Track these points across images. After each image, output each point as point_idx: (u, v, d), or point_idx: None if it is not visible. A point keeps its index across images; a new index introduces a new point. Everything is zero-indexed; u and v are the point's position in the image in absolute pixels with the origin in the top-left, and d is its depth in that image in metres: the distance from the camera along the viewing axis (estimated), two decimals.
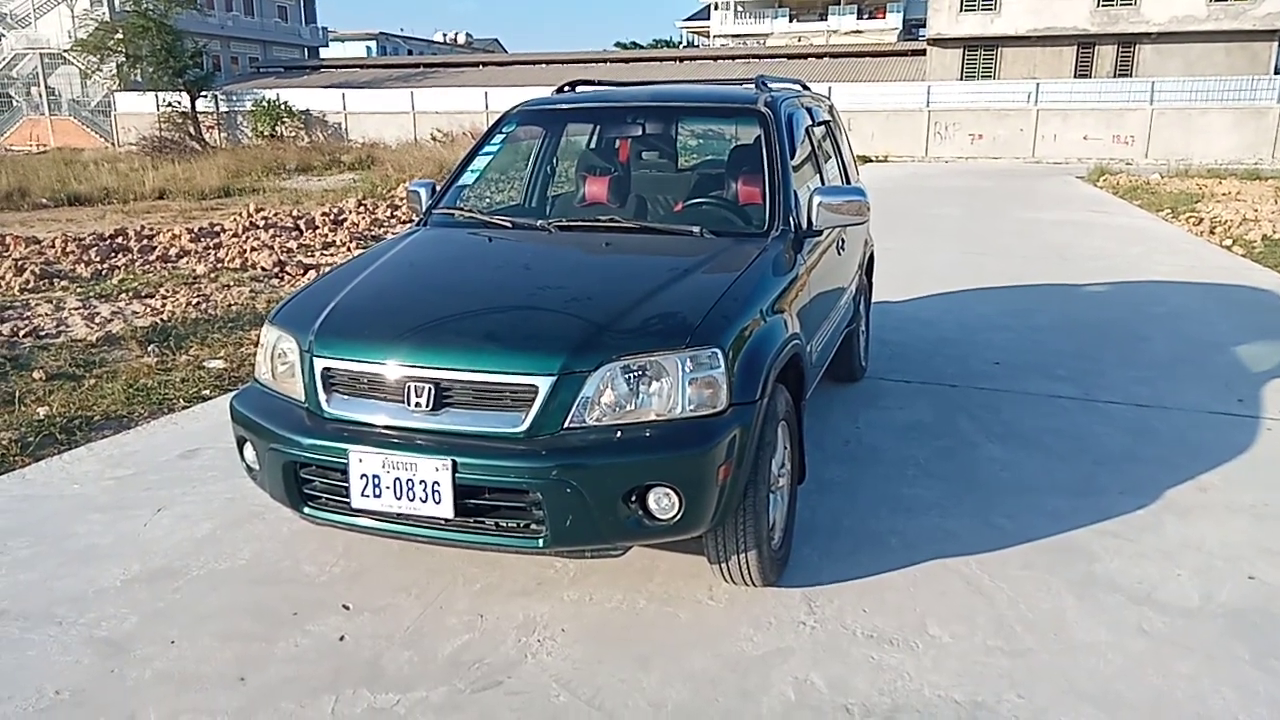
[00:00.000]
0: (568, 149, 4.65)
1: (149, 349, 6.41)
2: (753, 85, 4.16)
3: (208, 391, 5.53)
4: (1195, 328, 6.79)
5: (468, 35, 72.19)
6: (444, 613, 2.97)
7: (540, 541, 2.57)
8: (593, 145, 4.39)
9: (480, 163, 4.09)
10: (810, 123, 4.28)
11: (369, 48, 60.54)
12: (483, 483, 2.54)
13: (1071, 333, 6.63)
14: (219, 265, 9.60)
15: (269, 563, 3.32)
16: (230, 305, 7.78)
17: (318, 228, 12.35)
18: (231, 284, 8.68)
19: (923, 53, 32.40)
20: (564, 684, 2.60)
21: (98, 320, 7.19)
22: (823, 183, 4.27)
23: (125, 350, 6.40)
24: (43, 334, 6.76)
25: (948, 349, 6.18)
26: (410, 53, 58.36)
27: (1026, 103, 27.55)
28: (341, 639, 2.83)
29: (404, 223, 13.16)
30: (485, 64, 41.42)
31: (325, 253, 10.67)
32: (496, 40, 74.18)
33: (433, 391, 2.61)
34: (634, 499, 2.55)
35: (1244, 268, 9.38)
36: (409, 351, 2.68)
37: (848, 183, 4.97)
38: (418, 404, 2.63)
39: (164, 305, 7.71)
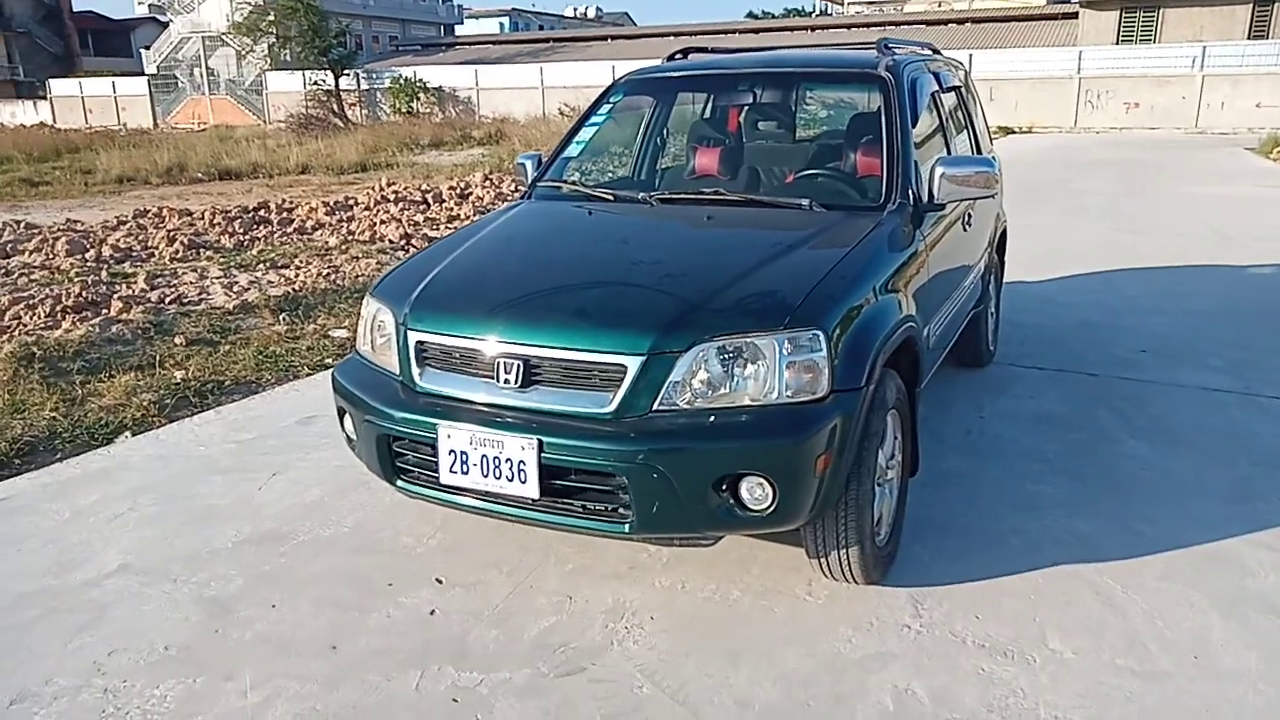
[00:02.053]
0: (678, 119, 4.51)
1: (280, 317, 6.68)
2: (874, 49, 3.90)
3: (330, 360, 5.70)
4: None
5: (598, 9, 72.48)
6: (534, 592, 2.93)
7: (626, 527, 2.47)
8: (704, 115, 4.23)
9: (587, 134, 4.00)
10: (937, 89, 3.98)
11: (502, 24, 61.62)
12: (568, 464, 2.46)
13: (1231, 320, 6.04)
14: (349, 238, 9.93)
15: (370, 532, 3.37)
16: (358, 277, 8.03)
17: (444, 201, 12.62)
18: (360, 256, 8.96)
19: (1075, 15, 30.36)
20: (649, 675, 2.51)
21: (236, 289, 7.55)
22: (949, 153, 3.98)
23: (258, 318, 6.68)
24: (186, 301, 7.14)
25: (1088, 334, 5.74)
26: (541, 27, 59.08)
27: (1190, 68, 25.48)
28: (432, 613, 2.83)
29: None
30: (613, 38, 41.50)
31: (449, 226, 10.87)
32: (626, 14, 74.19)
33: (521, 368, 2.55)
34: (725, 487, 2.42)
35: None
36: (498, 327, 2.62)
37: (978, 154, 4.64)
38: (507, 380, 2.57)
39: (297, 276, 8.03)
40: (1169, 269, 7.69)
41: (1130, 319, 6.08)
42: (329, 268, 8.33)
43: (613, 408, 2.46)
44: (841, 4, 52.91)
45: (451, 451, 2.57)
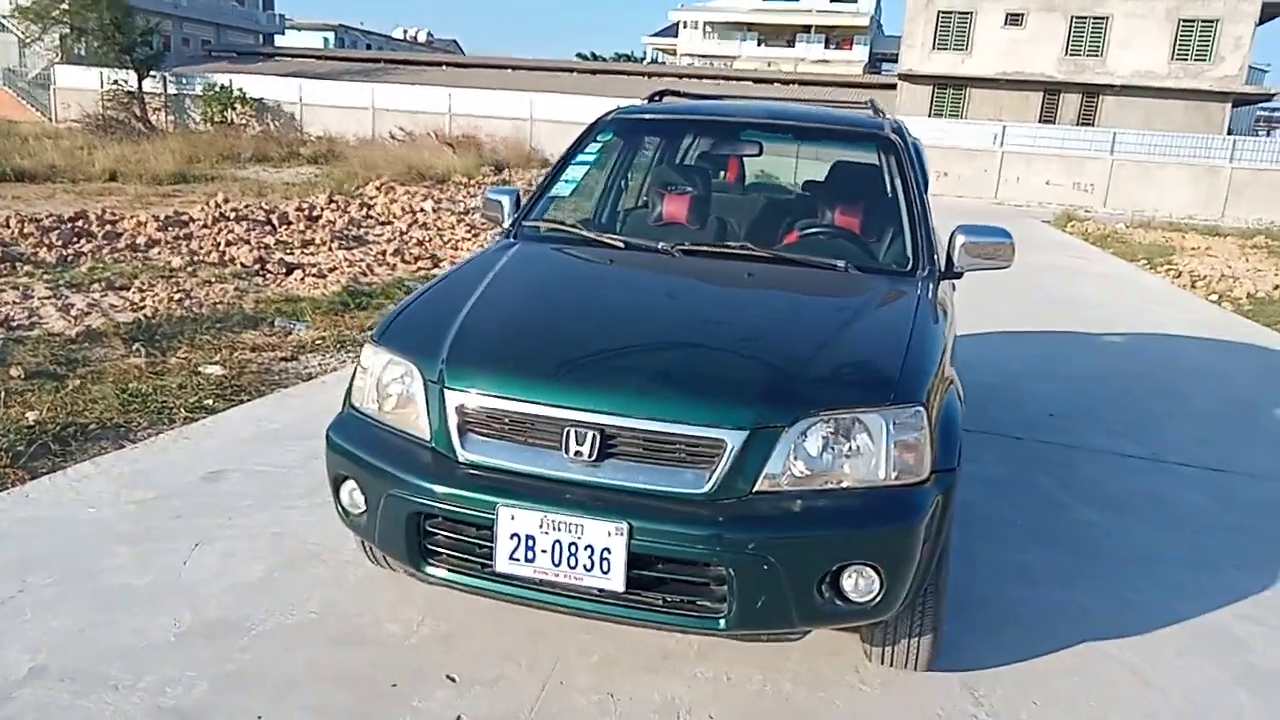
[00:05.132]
0: (642, 163, 4.30)
1: (134, 348, 5.86)
2: (868, 109, 3.88)
3: (210, 401, 5.02)
4: (1229, 387, 6.74)
5: (429, 34, 71.00)
6: (567, 689, 2.59)
7: (722, 623, 2.21)
8: (697, 162, 4.05)
9: (575, 173, 3.71)
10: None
11: (327, 39, 58.95)
12: (661, 552, 2.17)
13: (1111, 385, 6.50)
14: (195, 258, 8.96)
15: (345, 617, 2.89)
16: (216, 304, 7.22)
17: (291, 223, 11.71)
18: (212, 280, 8.08)
19: (892, 86, 32.82)
20: None
21: (74, 313, 6.58)
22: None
23: (109, 348, 5.84)
24: (15, 325, 6.13)
25: (994, 396, 5.97)
26: (369, 47, 57.11)
27: (992, 144, 28.00)
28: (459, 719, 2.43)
29: (383, 223, 12.61)
30: (447, 65, 40.68)
31: (305, 251, 10.07)
32: (455, 41, 73.18)
33: (597, 440, 2.24)
34: (831, 578, 2.21)
35: (1242, 325, 9.45)
36: (569, 392, 2.30)
37: None
38: (578, 453, 2.25)
39: (143, 299, 7.12)
40: (1033, 335, 8.22)
41: (1025, 382, 6.40)
42: (179, 291, 7.44)
43: (710, 488, 2.20)
44: (674, 54, 54.76)
45: (514, 535, 2.21)
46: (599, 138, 3.83)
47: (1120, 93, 29.51)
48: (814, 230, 3.50)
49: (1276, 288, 12.22)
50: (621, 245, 3.27)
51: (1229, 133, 29.01)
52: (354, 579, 3.11)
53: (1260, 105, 36.46)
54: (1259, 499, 4.48)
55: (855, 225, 3.51)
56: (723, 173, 3.98)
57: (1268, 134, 41.27)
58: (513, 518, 2.22)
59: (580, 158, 3.75)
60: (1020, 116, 29.81)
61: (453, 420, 2.38)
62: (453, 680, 2.59)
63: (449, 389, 2.39)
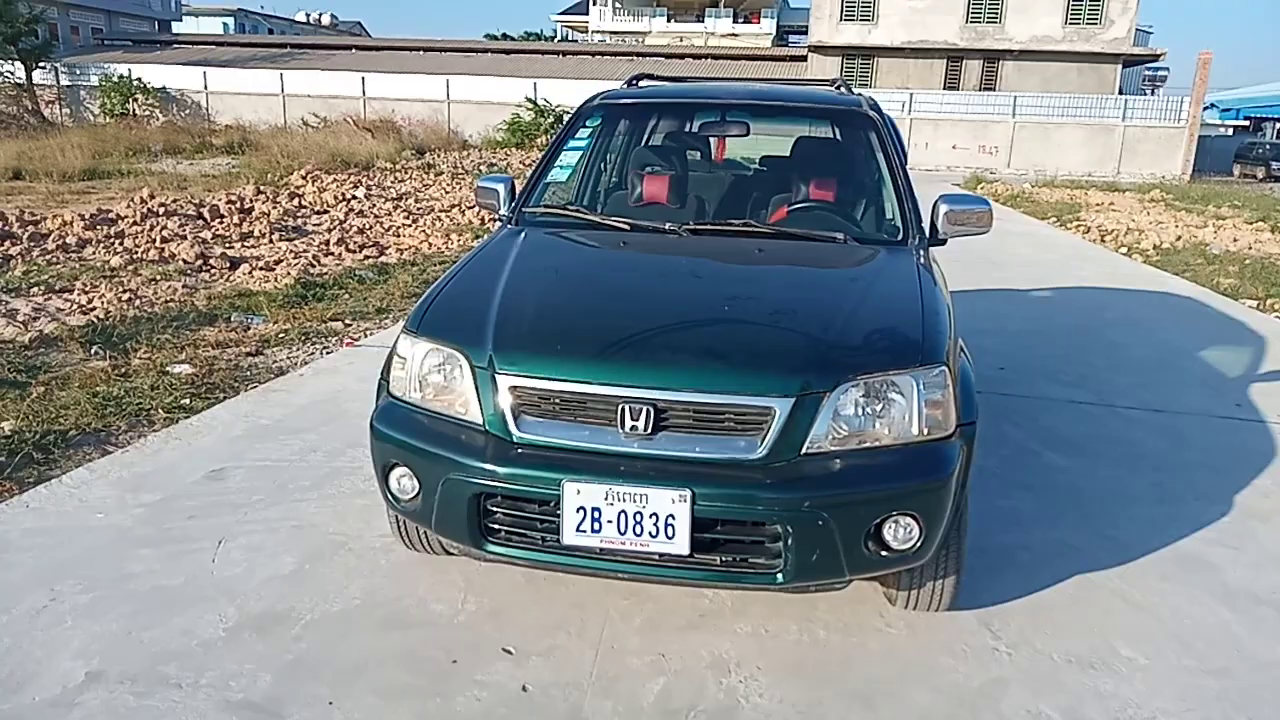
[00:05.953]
0: (619, 146, 4.39)
1: (93, 351, 5.73)
2: (833, 87, 4.05)
3: (187, 400, 4.95)
4: (1154, 332, 7.20)
5: (333, 17, 68.96)
6: (619, 653, 2.72)
7: (780, 577, 2.37)
8: (686, 143, 4.15)
9: (569, 159, 3.79)
10: None
11: (226, 24, 56.72)
12: (724, 515, 2.31)
13: (1050, 338, 6.87)
14: (133, 256, 8.69)
15: (388, 602, 2.95)
16: (167, 302, 7.06)
17: (224, 216, 11.40)
18: (157, 277, 7.88)
19: (802, 58, 33.35)
20: None
21: (20, 318, 6.36)
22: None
23: (66, 353, 5.70)
24: None
25: None
26: (271, 32, 55.12)
27: (901, 111, 28.75)
28: (524, 689, 2.53)
29: (319, 213, 12.39)
30: (357, 48, 39.65)
31: (246, 245, 9.86)
32: (359, 23, 71.23)
33: (651, 414, 2.36)
34: (876, 529, 2.39)
35: (1155, 275, 10.05)
36: (623, 370, 2.41)
37: None
38: (634, 428, 2.37)
39: (90, 301, 6.92)
40: (969, 293, 8.55)
41: (971, 339, 6.66)
42: (126, 291, 7.25)
43: (762, 453, 2.35)
44: (584, 31, 54.35)
45: (581, 509, 2.33)
46: (587, 123, 3.91)
47: (1019, 57, 30.58)
48: (809, 205, 3.66)
49: (1179, 238, 12.99)
50: (627, 227, 3.37)
51: (1120, 92, 30.38)
52: (386, 564, 3.17)
53: (1146, 65, 38.18)
54: (1202, 435, 4.85)
55: (847, 199, 3.68)
56: (702, 152, 4.10)
57: (1153, 92, 43.34)
58: (578, 492, 2.33)
59: (570, 143, 3.83)
60: (925, 84, 30.69)
61: (506, 403, 2.46)
62: (510, 653, 2.70)
63: (500, 374, 2.48)
